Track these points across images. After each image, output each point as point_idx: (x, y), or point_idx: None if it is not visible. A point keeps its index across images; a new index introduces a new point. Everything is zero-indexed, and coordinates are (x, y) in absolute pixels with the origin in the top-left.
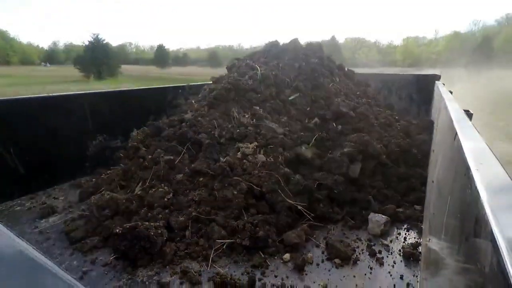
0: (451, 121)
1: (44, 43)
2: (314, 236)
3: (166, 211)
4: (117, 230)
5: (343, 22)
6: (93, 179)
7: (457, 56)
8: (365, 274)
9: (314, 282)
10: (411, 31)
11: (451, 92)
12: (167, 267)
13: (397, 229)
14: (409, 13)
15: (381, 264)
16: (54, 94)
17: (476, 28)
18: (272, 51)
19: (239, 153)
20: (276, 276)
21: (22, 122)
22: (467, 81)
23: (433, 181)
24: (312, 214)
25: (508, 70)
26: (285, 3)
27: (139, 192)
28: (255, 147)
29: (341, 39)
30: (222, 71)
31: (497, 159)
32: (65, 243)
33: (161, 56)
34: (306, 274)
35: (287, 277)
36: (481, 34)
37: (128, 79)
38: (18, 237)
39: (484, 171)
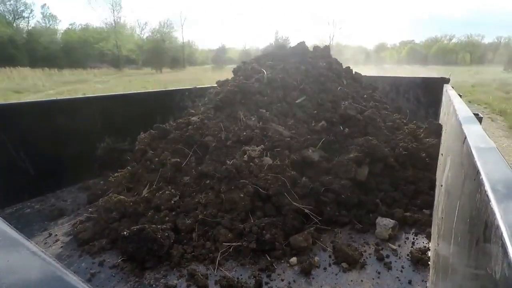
0: (460, 124)
1: None
2: (321, 239)
3: (173, 213)
4: (125, 233)
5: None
6: (101, 182)
7: (413, 58)
8: (373, 279)
9: (321, 287)
10: (375, 39)
11: (460, 96)
12: (174, 269)
13: (405, 233)
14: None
15: (389, 268)
16: (63, 97)
17: (419, 42)
18: (279, 54)
19: (245, 155)
20: (282, 280)
21: (31, 125)
22: (424, 71)
23: (441, 185)
24: (319, 217)
25: (439, 66)
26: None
27: (146, 195)
28: (261, 149)
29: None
30: None
31: (507, 163)
32: (73, 245)
33: None
34: (313, 278)
35: (294, 281)
36: (423, 46)
37: None
38: (27, 240)
39: (494, 175)
